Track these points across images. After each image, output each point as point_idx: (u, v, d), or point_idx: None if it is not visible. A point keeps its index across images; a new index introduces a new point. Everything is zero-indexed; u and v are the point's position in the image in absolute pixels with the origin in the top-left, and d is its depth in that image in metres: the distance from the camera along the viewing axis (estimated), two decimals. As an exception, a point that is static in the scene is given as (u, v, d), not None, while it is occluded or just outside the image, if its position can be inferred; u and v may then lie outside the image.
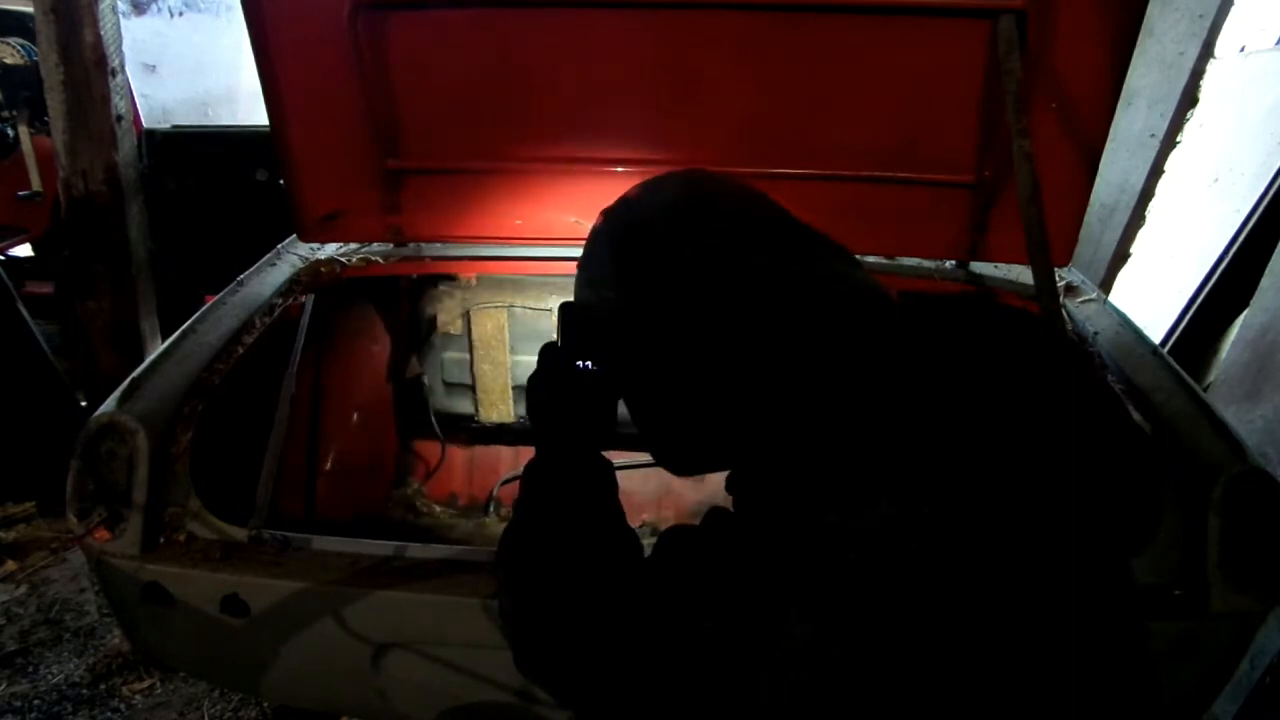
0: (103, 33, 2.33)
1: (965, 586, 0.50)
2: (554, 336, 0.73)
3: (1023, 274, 1.65)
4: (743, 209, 0.64)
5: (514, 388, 2.15)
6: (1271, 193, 2.10)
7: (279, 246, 1.84)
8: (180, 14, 4.20)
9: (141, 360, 1.46)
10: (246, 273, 1.71)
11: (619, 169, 1.61)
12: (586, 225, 0.69)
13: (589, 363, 0.70)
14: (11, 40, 3.05)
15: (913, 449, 0.53)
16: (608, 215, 0.68)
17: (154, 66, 3.93)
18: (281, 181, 1.70)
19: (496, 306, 2.06)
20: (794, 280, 0.59)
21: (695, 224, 0.62)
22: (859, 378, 0.56)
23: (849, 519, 0.51)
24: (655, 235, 0.62)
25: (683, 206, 0.64)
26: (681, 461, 0.69)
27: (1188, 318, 2.35)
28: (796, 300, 0.58)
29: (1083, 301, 1.69)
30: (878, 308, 0.60)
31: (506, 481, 2.19)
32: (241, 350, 1.48)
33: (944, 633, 0.49)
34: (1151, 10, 1.62)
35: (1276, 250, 1.77)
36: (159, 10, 4.08)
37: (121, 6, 2.52)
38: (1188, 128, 2.54)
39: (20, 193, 2.96)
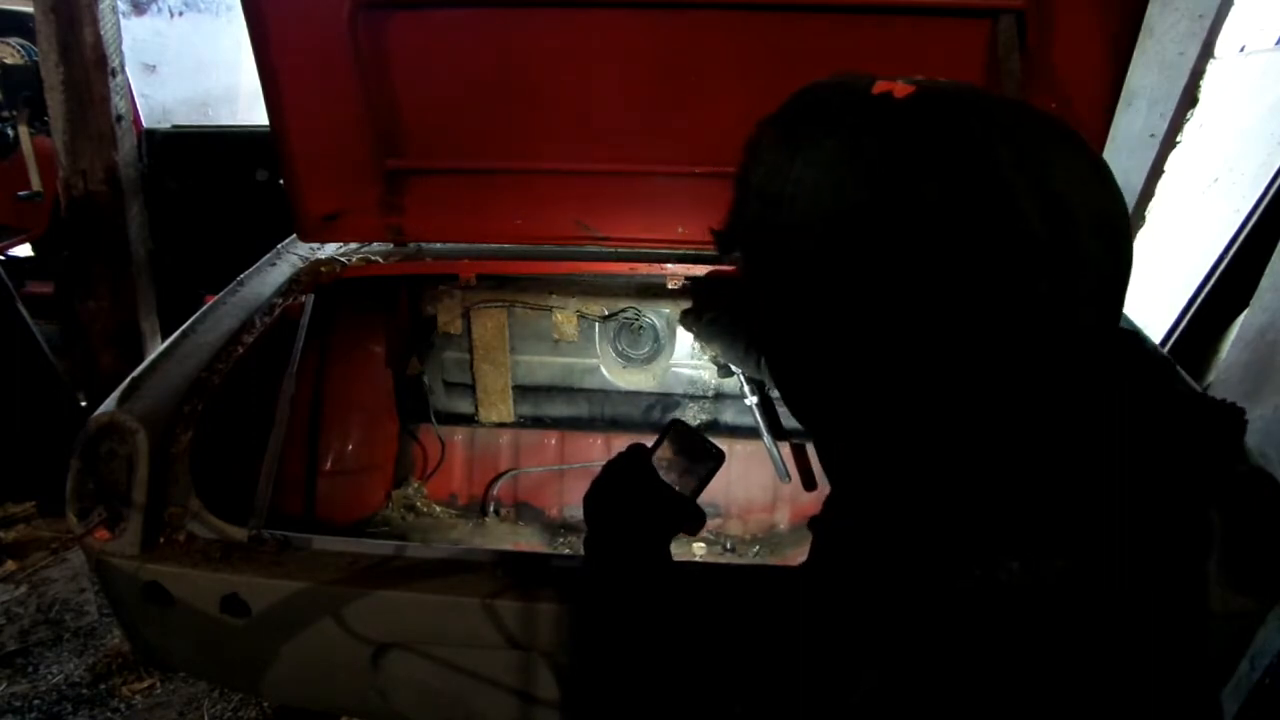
0: (103, 33, 2.34)
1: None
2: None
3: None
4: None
5: (514, 388, 2.15)
6: (1271, 193, 2.09)
7: (279, 246, 1.84)
8: (180, 14, 4.20)
9: (141, 360, 1.46)
10: (246, 273, 1.72)
11: (619, 169, 1.61)
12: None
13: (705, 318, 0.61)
14: (11, 40, 3.05)
15: (1063, 504, 0.48)
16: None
17: (154, 66, 3.93)
18: (281, 181, 1.70)
19: (496, 306, 2.06)
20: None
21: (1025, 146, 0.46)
22: (1073, 424, 0.48)
23: (1028, 573, 0.45)
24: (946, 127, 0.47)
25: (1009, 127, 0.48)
26: (813, 407, 0.57)
27: (1188, 318, 2.35)
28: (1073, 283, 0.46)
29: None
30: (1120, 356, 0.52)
31: (500, 474, 2.19)
32: (241, 350, 1.48)
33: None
34: (1151, 10, 1.62)
35: (1276, 250, 1.77)
36: (159, 10, 4.07)
37: (121, 6, 2.53)
38: (1188, 128, 2.54)
39: (20, 193, 2.96)
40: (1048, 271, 0.45)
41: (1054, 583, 0.45)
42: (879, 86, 0.49)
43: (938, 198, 0.44)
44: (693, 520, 0.77)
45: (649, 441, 0.80)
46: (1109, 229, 0.47)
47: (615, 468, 0.78)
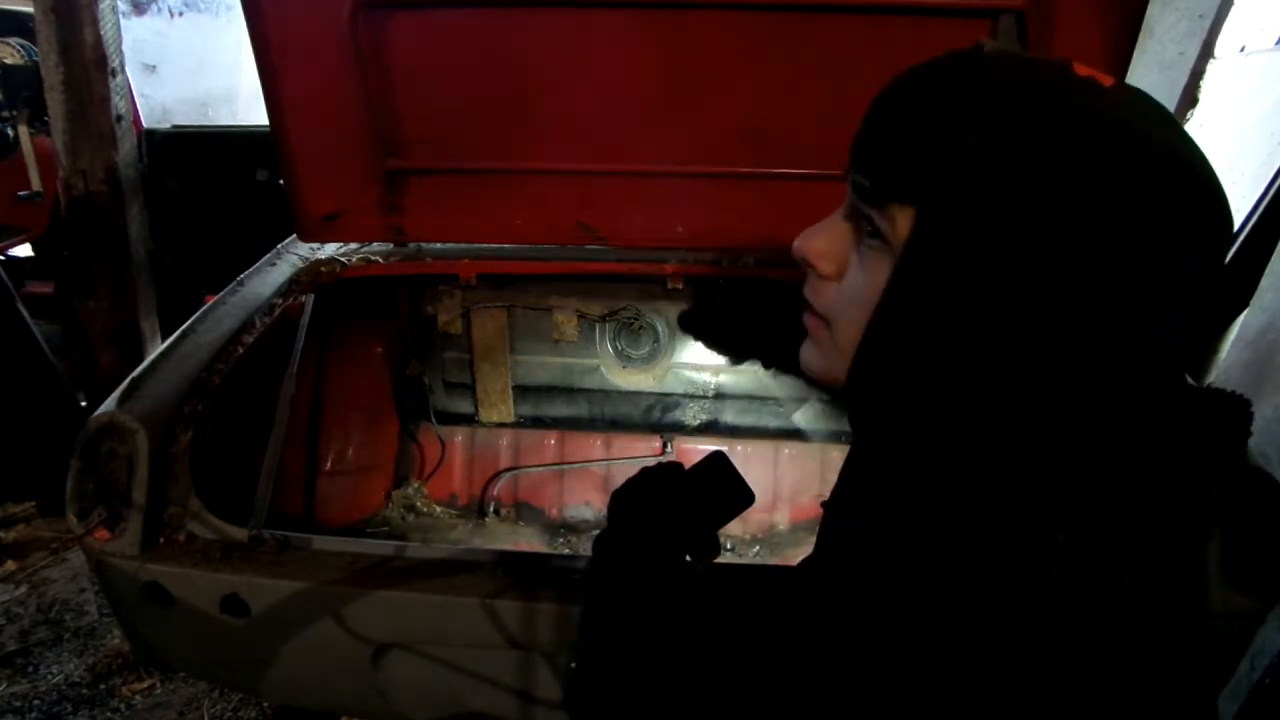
0: (103, 33, 2.34)
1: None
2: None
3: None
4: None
5: (514, 388, 2.15)
6: (1271, 193, 2.09)
7: (279, 246, 1.84)
8: (180, 14, 4.20)
9: (141, 360, 1.46)
10: (246, 273, 1.72)
11: (619, 169, 1.61)
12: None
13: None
14: (11, 40, 3.06)
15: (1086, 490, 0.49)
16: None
17: (154, 66, 3.93)
18: (281, 181, 1.70)
19: (496, 306, 2.06)
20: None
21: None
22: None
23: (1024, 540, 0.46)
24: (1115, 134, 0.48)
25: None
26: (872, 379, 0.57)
27: (1188, 318, 2.35)
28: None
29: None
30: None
31: (499, 473, 2.19)
32: (241, 350, 1.48)
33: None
34: (1151, 10, 1.61)
35: (1276, 250, 1.77)
36: (159, 10, 4.08)
37: (121, 6, 2.53)
38: (1188, 128, 2.53)
39: (20, 193, 2.96)
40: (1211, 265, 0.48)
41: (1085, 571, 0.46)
42: (1081, 69, 0.50)
43: (1140, 185, 0.46)
44: (707, 550, 0.78)
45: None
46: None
47: (650, 476, 0.79)
